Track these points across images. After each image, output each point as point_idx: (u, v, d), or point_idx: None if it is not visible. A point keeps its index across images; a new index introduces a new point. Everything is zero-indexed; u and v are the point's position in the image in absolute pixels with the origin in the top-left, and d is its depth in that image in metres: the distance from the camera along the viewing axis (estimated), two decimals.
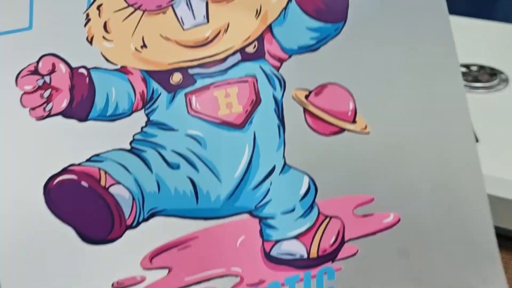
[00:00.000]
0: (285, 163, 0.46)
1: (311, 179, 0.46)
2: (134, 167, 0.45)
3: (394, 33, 0.48)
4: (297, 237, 0.46)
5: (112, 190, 0.44)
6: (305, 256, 0.46)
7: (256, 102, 0.46)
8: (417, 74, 0.48)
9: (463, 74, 0.76)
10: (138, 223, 0.44)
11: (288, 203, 0.46)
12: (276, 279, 0.45)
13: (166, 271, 0.45)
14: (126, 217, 0.44)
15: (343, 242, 0.46)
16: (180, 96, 0.45)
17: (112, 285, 0.43)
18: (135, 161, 0.45)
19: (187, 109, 0.45)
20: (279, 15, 0.47)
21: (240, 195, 0.46)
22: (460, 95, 0.48)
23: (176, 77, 0.46)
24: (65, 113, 0.44)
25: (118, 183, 0.44)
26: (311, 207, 0.46)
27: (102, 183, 0.44)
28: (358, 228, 0.46)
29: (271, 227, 0.46)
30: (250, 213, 0.46)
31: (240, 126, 0.45)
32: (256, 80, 0.46)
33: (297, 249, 0.46)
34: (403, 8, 0.48)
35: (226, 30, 0.46)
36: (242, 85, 0.46)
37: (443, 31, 0.48)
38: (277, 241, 0.46)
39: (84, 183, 0.43)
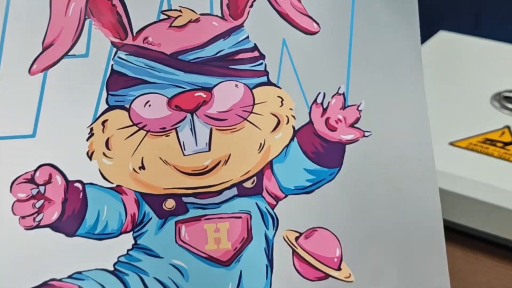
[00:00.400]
0: None
1: None
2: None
3: (385, 182, 0.48)
4: None
5: None
6: None
7: (247, 240, 0.46)
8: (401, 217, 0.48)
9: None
10: None
11: None
12: None
13: None
14: None
15: None
16: (170, 224, 0.45)
17: None
18: (116, 283, 0.44)
19: (175, 238, 0.45)
20: (280, 152, 0.47)
21: None
22: None
23: (169, 204, 0.46)
24: (54, 226, 0.44)
25: None
26: None
27: None
28: None
29: None
30: None
31: (226, 264, 0.45)
32: (250, 217, 0.46)
33: None
34: (394, 158, 0.48)
35: (226, 162, 0.46)
36: (235, 221, 0.46)
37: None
38: None
39: None
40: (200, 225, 0.46)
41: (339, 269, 0.47)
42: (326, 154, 0.47)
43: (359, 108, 0.48)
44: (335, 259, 0.47)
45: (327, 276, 0.47)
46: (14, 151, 0.44)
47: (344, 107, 0.48)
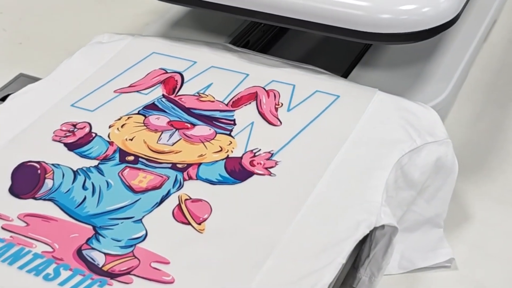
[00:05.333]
0: None
1: None
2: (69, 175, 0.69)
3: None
4: None
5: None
6: None
7: (156, 188, 0.68)
8: None
9: None
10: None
11: None
12: None
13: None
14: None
15: None
16: (122, 166, 0.70)
17: None
18: (70, 174, 0.69)
19: (119, 172, 0.70)
20: (210, 162, 0.70)
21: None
22: None
23: (130, 158, 0.71)
24: (67, 144, 0.73)
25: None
26: None
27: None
28: None
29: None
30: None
31: (135, 191, 0.68)
32: (168, 179, 0.69)
33: None
34: None
35: (176, 153, 0.71)
36: (157, 177, 0.69)
37: None
38: None
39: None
40: (136, 172, 0.70)
41: (199, 224, 0.64)
42: (238, 173, 0.69)
43: (276, 162, 0.70)
44: (201, 218, 0.64)
45: (189, 223, 0.64)
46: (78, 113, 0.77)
47: (269, 158, 0.71)
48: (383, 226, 0.65)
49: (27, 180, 0.69)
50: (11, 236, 0.63)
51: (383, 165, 0.69)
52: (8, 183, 0.69)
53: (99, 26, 1.11)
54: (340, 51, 0.96)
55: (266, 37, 1.02)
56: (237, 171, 0.70)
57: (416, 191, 0.72)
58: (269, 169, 0.69)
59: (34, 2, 1.22)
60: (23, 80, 1.02)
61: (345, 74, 0.88)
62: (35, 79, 0.98)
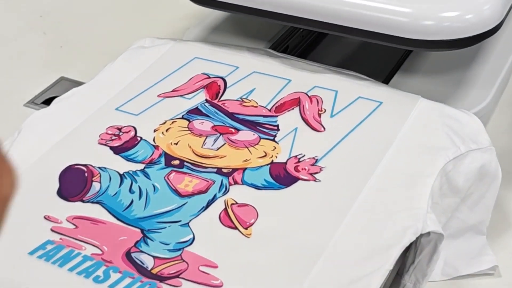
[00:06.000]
0: None
1: None
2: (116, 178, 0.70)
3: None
4: None
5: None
6: None
7: (202, 192, 0.69)
8: None
9: None
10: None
11: None
12: None
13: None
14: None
15: None
16: (168, 170, 0.71)
17: None
18: (117, 177, 0.70)
19: (165, 176, 0.71)
20: (255, 167, 0.71)
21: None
22: None
23: (175, 162, 0.72)
24: (113, 148, 0.74)
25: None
26: None
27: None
28: None
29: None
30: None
31: (181, 195, 0.68)
32: (213, 183, 0.69)
33: None
34: None
35: (221, 158, 0.72)
36: (203, 181, 0.70)
37: None
38: None
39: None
40: (182, 176, 0.70)
41: (246, 228, 0.64)
42: (283, 178, 0.70)
43: (321, 168, 0.70)
44: (247, 223, 0.65)
45: (236, 228, 0.65)
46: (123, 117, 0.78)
47: (313, 164, 0.71)
48: (428, 233, 0.65)
49: (75, 183, 0.70)
50: (60, 238, 0.64)
51: (428, 171, 0.69)
52: (56, 185, 0.70)
53: (138, 30, 1.12)
54: (380, 57, 0.97)
55: (305, 42, 1.03)
56: (282, 176, 0.70)
57: (460, 198, 0.72)
58: (314, 175, 0.70)
59: (74, 6, 1.23)
60: (64, 83, 1.04)
61: (386, 80, 0.89)
62: (76, 82, 1.00)
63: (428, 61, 0.91)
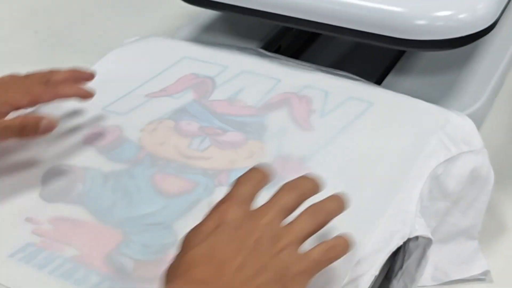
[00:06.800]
0: None
1: None
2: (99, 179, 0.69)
3: None
4: None
5: None
6: None
7: (184, 193, 0.68)
8: None
9: None
10: None
11: None
12: None
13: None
14: None
15: None
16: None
17: None
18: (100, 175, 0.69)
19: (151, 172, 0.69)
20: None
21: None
22: None
23: (160, 162, 0.71)
24: (97, 145, 0.73)
25: None
26: None
27: None
28: None
29: None
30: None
31: (165, 194, 0.67)
32: (197, 185, 0.68)
33: None
34: None
35: (206, 159, 0.71)
36: (185, 182, 0.69)
37: None
38: None
39: None
40: (167, 177, 0.69)
41: None
42: None
43: (308, 168, 0.69)
44: None
45: None
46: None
47: (300, 164, 0.69)
48: (417, 238, 0.64)
49: (58, 183, 0.69)
50: (41, 241, 0.63)
51: (418, 174, 0.67)
52: (39, 186, 0.69)
53: (130, 29, 1.11)
54: (374, 58, 0.95)
55: (298, 42, 1.01)
56: None
57: (451, 201, 0.70)
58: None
59: (65, 4, 1.22)
60: None
61: (378, 81, 0.87)
62: None
63: (422, 61, 0.89)
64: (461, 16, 0.75)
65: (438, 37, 0.76)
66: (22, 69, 0.72)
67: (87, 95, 0.74)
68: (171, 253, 0.61)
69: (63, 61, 1.07)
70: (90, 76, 0.76)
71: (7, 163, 0.71)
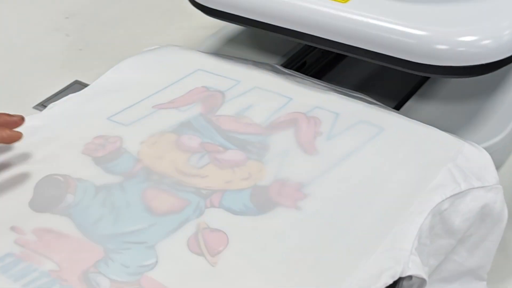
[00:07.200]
0: None
1: None
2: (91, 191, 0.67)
3: None
4: None
5: None
6: None
7: (174, 213, 0.65)
8: None
9: None
10: None
11: None
12: None
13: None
14: None
15: None
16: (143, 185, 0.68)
17: None
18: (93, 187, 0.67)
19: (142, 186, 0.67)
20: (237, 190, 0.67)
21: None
22: None
23: (154, 177, 0.69)
24: (97, 158, 0.71)
25: None
26: None
27: None
28: None
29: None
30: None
31: (154, 213, 0.65)
32: (189, 203, 0.66)
33: None
34: None
35: (202, 177, 0.68)
36: (178, 200, 0.66)
37: None
38: None
39: None
40: (158, 193, 0.67)
41: (212, 256, 0.60)
42: (262, 203, 0.65)
43: (305, 195, 0.66)
44: (215, 250, 0.61)
45: (202, 254, 0.61)
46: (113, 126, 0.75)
47: (298, 190, 0.66)
48: (410, 277, 0.60)
49: (49, 193, 0.68)
50: (21, 251, 0.62)
51: (420, 209, 0.63)
52: (30, 195, 0.68)
53: (160, 37, 1.10)
54: (398, 81, 0.91)
55: (323, 60, 0.98)
56: (262, 201, 0.66)
57: (455, 239, 0.66)
58: (296, 202, 0.65)
59: (100, 9, 1.22)
60: (77, 87, 1.01)
61: (398, 106, 0.83)
62: None
63: (446, 87, 0.85)
64: (485, 42, 0.71)
65: (459, 63, 0.72)
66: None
67: (11, 141, 0.69)
68: (148, 276, 0.59)
69: (88, 66, 1.07)
70: (20, 121, 0.71)
71: (2, 169, 0.70)
